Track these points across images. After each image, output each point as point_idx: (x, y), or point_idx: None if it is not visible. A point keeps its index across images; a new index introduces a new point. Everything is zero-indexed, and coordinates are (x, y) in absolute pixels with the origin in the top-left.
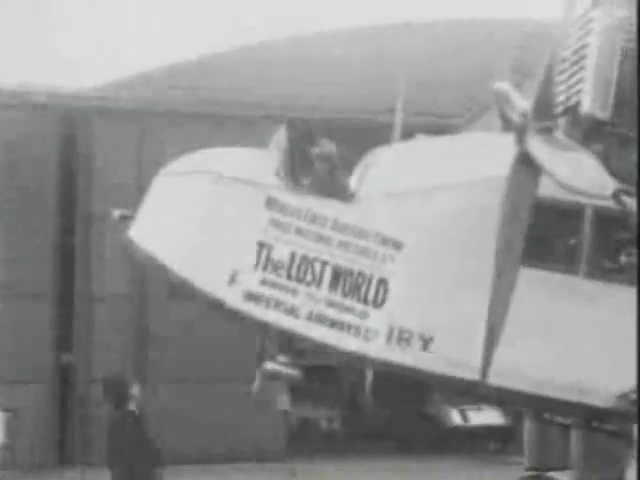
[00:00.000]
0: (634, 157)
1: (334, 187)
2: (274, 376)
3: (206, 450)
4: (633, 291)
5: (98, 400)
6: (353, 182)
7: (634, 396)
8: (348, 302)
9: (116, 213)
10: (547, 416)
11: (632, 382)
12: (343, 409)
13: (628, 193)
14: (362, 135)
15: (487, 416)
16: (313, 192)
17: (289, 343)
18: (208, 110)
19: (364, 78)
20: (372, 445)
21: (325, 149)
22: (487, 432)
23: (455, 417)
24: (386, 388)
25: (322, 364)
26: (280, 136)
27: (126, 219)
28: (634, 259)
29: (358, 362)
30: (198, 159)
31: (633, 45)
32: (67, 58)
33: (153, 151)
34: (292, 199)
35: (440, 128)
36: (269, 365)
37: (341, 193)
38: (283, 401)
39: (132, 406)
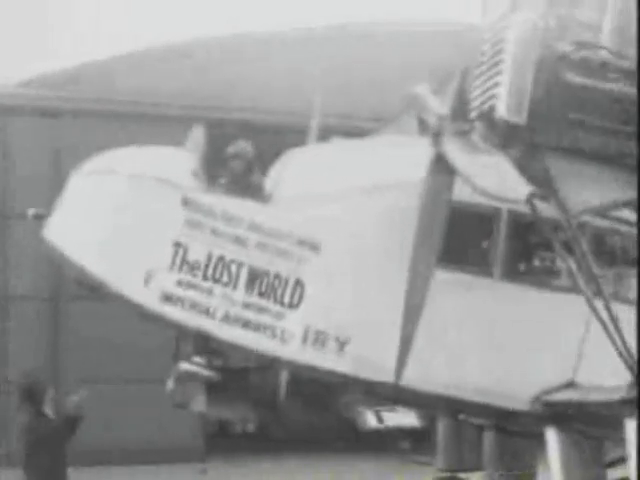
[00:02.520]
0: (547, 162)
1: (250, 188)
2: (189, 377)
3: (122, 451)
4: (546, 294)
5: (13, 402)
6: (269, 183)
7: (547, 398)
8: (264, 303)
9: (31, 212)
10: (461, 418)
11: (545, 385)
12: (259, 410)
13: (541, 197)
14: (279, 136)
15: (402, 418)
16: (229, 193)
17: (205, 344)
18: (126, 109)
19: (283, 79)
20: (287, 446)
21: (240, 149)
22: (401, 433)
23: (370, 418)
24: (302, 389)
25: (238, 365)
26: (197, 136)
27: (41, 218)
28: (547, 263)
29: (274, 364)
30: (114, 158)
31: (549, 51)
32: None
33: (69, 150)
34: (208, 199)
35: (357, 130)
36: (184, 366)
37: (257, 194)
38: (199, 402)
39: (47, 409)
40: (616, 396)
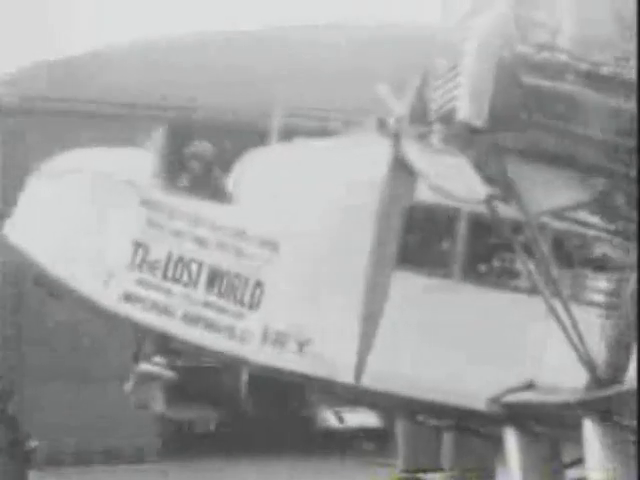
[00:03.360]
0: (506, 164)
1: (211, 188)
2: (149, 377)
3: (83, 451)
4: (505, 295)
5: None
6: (231, 183)
7: (505, 399)
8: (224, 303)
9: None
10: (421, 418)
11: (503, 385)
12: (219, 410)
13: (500, 199)
14: (240, 136)
15: (362, 418)
16: (190, 193)
17: (165, 344)
18: (83, 109)
19: (246, 80)
20: (248, 446)
21: (199, 149)
22: (362, 434)
23: (330, 419)
24: (262, 390)
25: (198, 365)
26: (158, 136)
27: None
28: (506, 264)
29: (233, 364)
30: (75, 158)
31: (508, 53)
32: None
33: (23, 149)
34: (169, 199)
35: (319, 131)
36: (144, 366)
37: (218, 194)
38: (158, 402)
39: (9, 409)
40: (574, 397)
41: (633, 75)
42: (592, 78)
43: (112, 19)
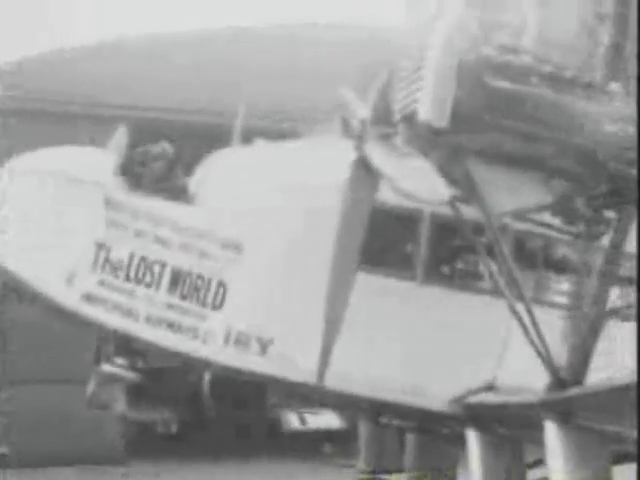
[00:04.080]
0: (469, 165)
1: (173, 188)
2: (111, 379)
3: (46, 453)
4: (467, 297)
5: None
6: (193, 184)
7: (467, 400)
8: (186, 304)
9: None
10: (383, 419)
11: (465, 386)
12: (182, 412)
13: (463, 200)
14: (203, 137)
15: (325, 419)
16: (152, 193)
17: (127, 345)
18: (49, 108)
19: (209, 80)
20: (211, 448)
21: (161, 149)
22: (324, 435)
23: (293, 420)
24: (225, 390)
25: (160, 366)
26: (120, 136)
27: None
28: (469, 265)
29: (196, 364)
30: (36, 158)
31: (472, 55)
32: None
33: None
34: (131, 200)
35: (282, 132)
36: (106, 367)
37: (181, 194)
38: (120, 404)
39: None
40: (535, 398)
41: (596, 78)
42: (555, 80)
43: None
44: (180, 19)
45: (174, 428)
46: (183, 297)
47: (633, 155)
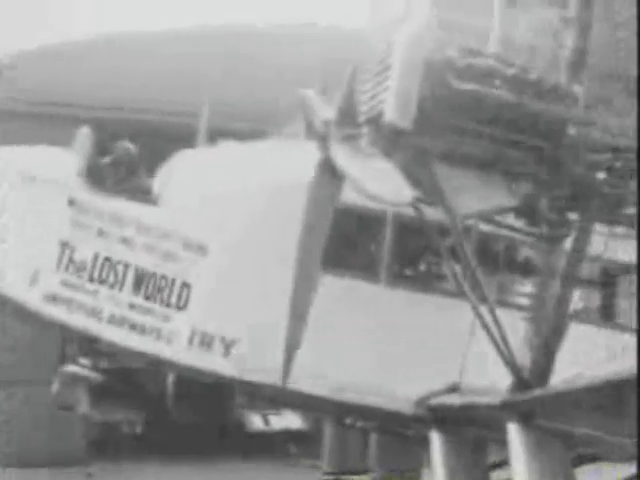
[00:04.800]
0: (433, 167)
1: (137, 189)
2: (74, 379)
3: (6, 454)
4: (431, 298)
5: None
6: (157, 185)
7: (431, 402)
8: (150, 305)
9: None
10: (348, 420)
11: (429, 388)
12: (146, 412)
13: (427, 202)
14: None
15: (289, 420)
16: (116, 193)
17: (90, 346)
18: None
19: (173, 80)
20: (175, 449)
21: (125, 149)
22: (288, 436)
23: (257, 421)
24: (189, 391)
25: (124, 367)
26: (84, 136)
27: None
28: (433, 267)
29: (160, 365)
30: (2, 157)
31: (436, 57)
32: None
33: None
34: (95, 200)
35: (246, 133)
36: (69, 368)
37: (144, 195)
38: (83, 404)
39: None
40: (498, 400)
41: (560, 81)
42: (519, 83)
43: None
44: (161, 17)
45: (138, 428)
46: (147, 297)
47: (596, 158)
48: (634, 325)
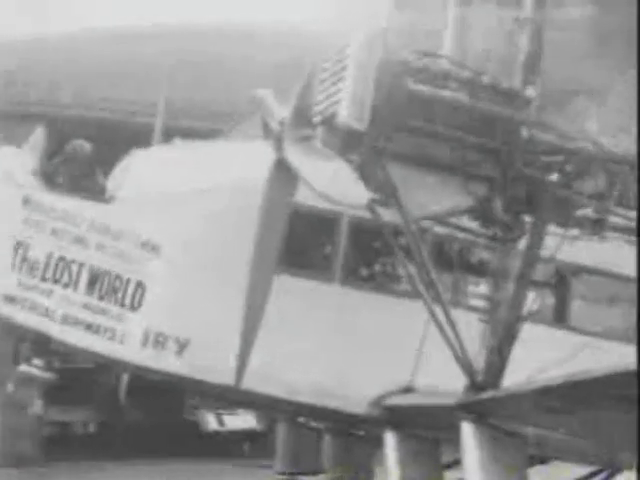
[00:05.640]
0: (388, 168)
1: (91, 188)
2: (28, 379)
3: None
4: (386, 299)
5: None
6: (112, 184)
7: (385, 402)
8: (104, 305)
9: None
10: (301, 420)
11: (383, 388)
12: (100, 412)
13: (381, 203)
14: (122, 136)
15: (243, 420)
16: (70, 192)
17: (45, 346)
18: None
19: (128, 79)
20: (128, 448)
21: (78, 148)
22: (242, 436)
23: (211, 421)
24: (143, 391)
25: (78, 367)
26: (38, 135)
27: None
28: (388, 268)
29: (114, 366)
30: None
31: (391, 58)
32: None
33: None
34: (48, 199)
35: (202, 132)
36: (23, 368)
37: (98, 194)
38: (37, 404)
39: None
40: (452, 400)
41: (514, 84)
42: (473, 86)
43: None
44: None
45: (92, 428)
46: (101, 297)
47: (548, 160)
48: (586, 326)
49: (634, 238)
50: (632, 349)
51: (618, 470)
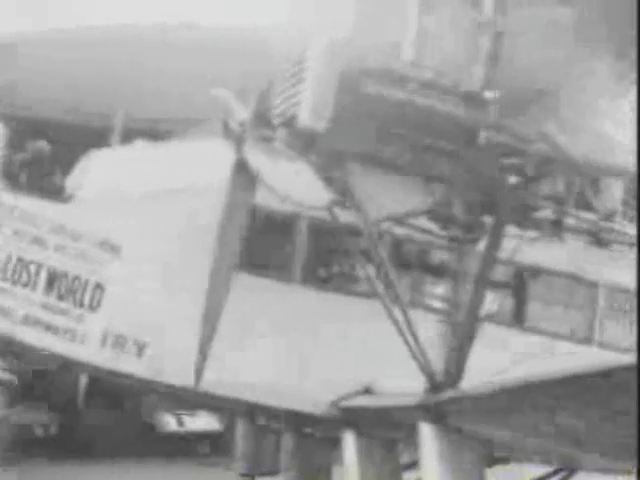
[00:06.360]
0: (347, 170)
1: (50, 188)
2: None
3: None
4: (345, 300)
5: None
6: (71, 184)
7: (343, 403)
8: (63, 306)
9: None
10: (260, 421)
11: (342, 389)
12: (60, 414)
13: (341, 204)
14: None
15: (202, 421)
16: (28, 192)
17: (4, 346)
18: None
19: (89, 81)
20: (88, 450)
21: (37, 149)
22: (202, 437)
23: (170, 422)
24: (102, 392)
25: (38, 368)
26: None
27: None
28: (346, 268)
29: (73, 367)
30: None
31: (353, 62)
32: None
33: None
34: (7, 199)
35: (162, 133)
36: None
37: (58, 194)
38: None
39: None
40: (411, 401)
41: (474, 86)
42: (433, 88)
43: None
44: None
45: (53, 430)
46: (60, 298)
47: (508, 162)
48: (544, 327)
49: (591, 239)
50: (588, 350)
51: (575, 470)
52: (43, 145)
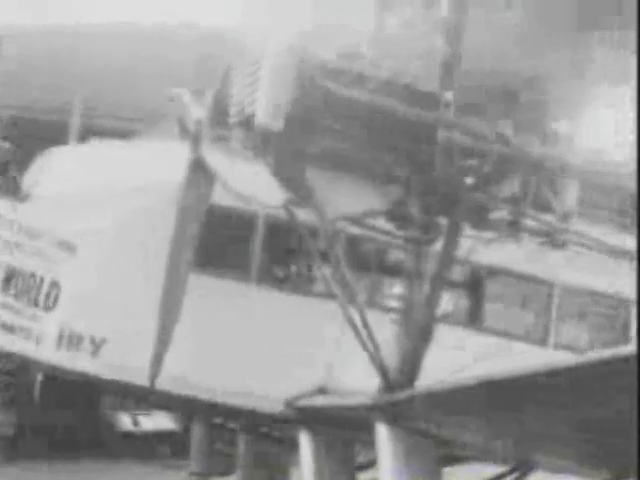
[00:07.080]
0: (304, 169)
1: (7, 186)
2: None
3: None
4: (301, 300)
5: None
6: (28, 182)
7: (299, 403)
8: (19, 304)
9: None
10: (217, 421)
11: (297, 388)
12: (15, 413)
13: (297, 203)
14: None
15: (158, 421)
16: None
17: None
18: None
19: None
20: (45, 449)
21: None
22: (157, 437)
23: (126, 422)
24: (58, 392)
25: None
26: None
27: None
28: (303, 268)
29: (29, 366)
30: None
31: (308, 60)
32: None
33: None
34: None
35: (118, 131)
36: None
37: (13, 192)
38: None
39: None
40: (365, 401)
41: (432, 86)
42: (391, 87)
43: None
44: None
45: (10, 429)
46: (16, 296)
47: (464, 162)
48: (500, 327)
49: (547, 240)
50: (544, 351)
51: (530, 469)
52: (1, 144)
